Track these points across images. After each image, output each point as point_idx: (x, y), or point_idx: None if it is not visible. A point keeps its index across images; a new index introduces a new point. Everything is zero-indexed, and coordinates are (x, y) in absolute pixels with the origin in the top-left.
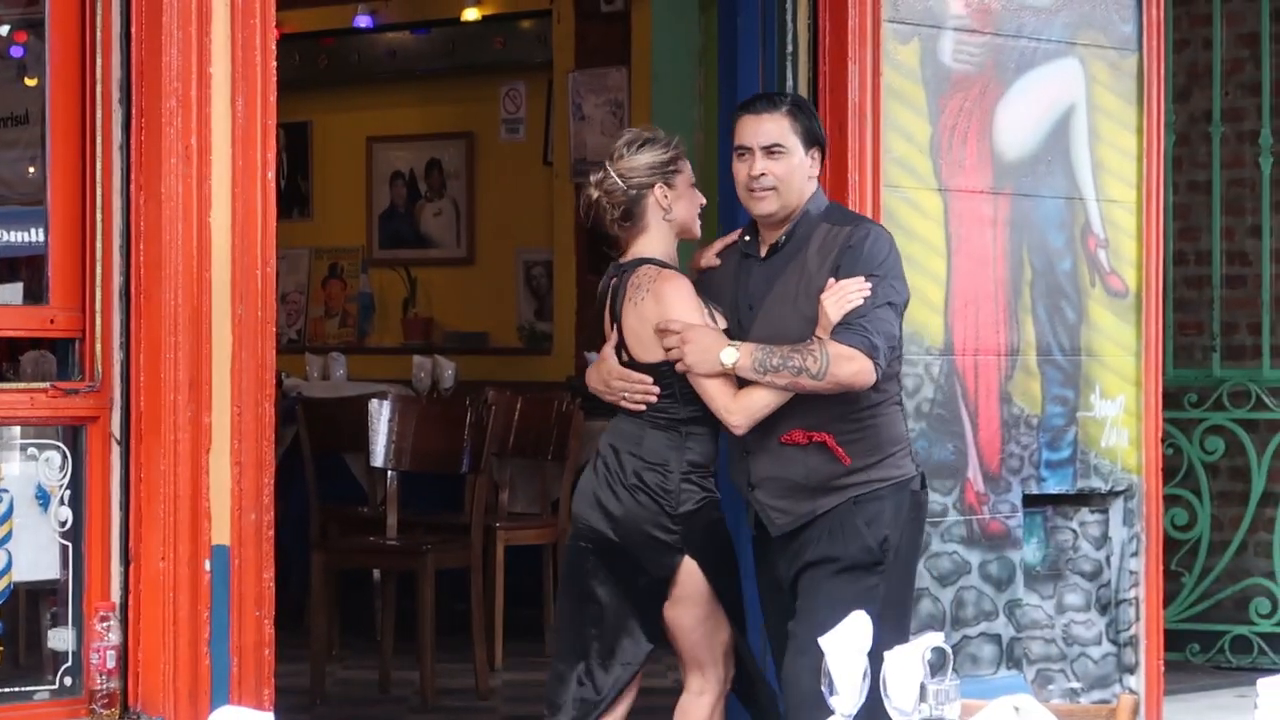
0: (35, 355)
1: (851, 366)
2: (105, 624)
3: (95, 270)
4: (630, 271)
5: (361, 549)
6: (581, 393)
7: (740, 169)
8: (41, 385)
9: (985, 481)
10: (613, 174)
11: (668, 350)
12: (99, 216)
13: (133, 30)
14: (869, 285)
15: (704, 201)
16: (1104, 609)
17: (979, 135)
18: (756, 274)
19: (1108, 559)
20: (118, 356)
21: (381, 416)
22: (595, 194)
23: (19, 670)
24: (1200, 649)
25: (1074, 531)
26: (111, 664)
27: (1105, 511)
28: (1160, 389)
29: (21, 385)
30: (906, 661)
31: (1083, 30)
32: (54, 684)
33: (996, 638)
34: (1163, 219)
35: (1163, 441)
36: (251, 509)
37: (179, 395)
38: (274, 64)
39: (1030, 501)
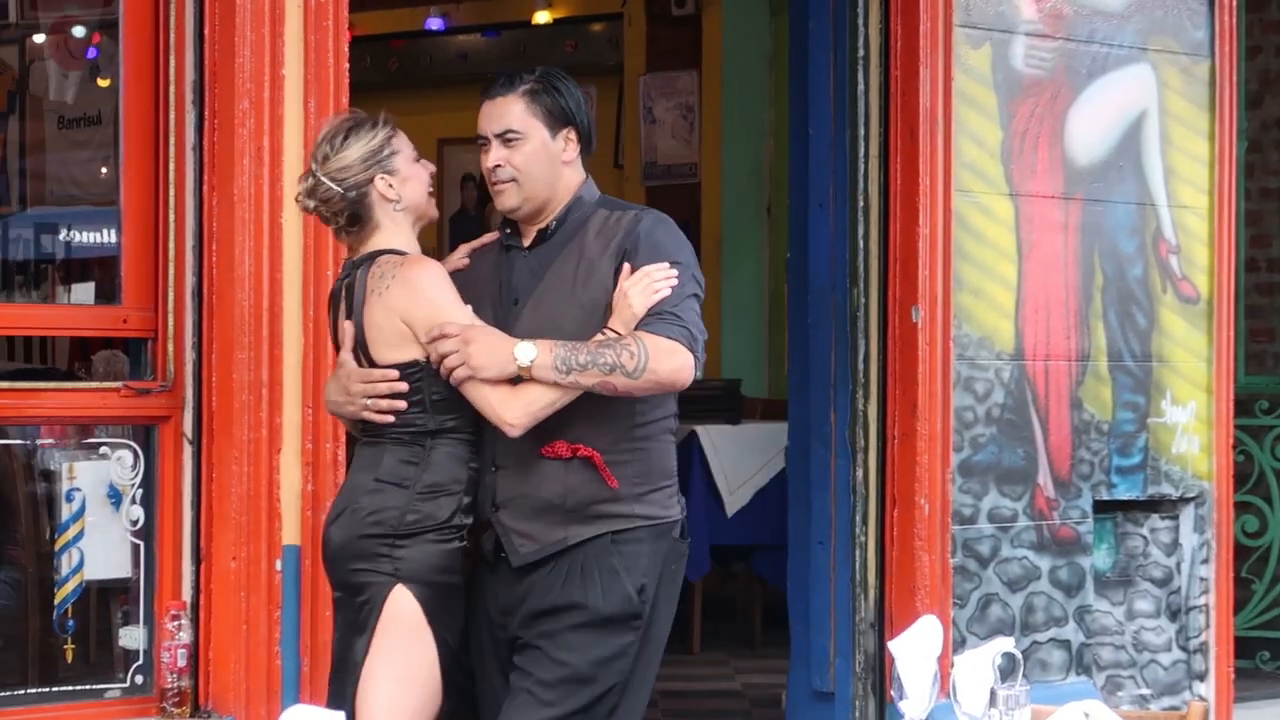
0: (108, 355)
1: (674, 361)
2: (176, 623)
3: (168, 270)
4: (367, 264)
5: None
6: None
7: (481, 160)
8: (114, 385)
9: (1055, 487)
10: (324, 180)
11: (443, 357)
12: (171, 217)
13: (206, 32)
14: (675, 273)
15: (433, 170)
16: (1174, 616)
17: (1050, 140)
18: (521, 265)
19: (1178, 565)
20: (190, 356)
21: None
22: (312, 205)
23: (90, 668)
24: (1270, 656)
25: (1144, 538)
26: (182, 663)
27: (1176, 518)
28: (1231, 395)
29: (94, 385)
30: (977, 666)
31: (1154, 36)
32: (125, 682)
33: (1066, 643)
34: (1234, 225)
35: (1234, 448)
36: (322, 509)
37: (251, 395)
38: (346, 66)
39: (1101, 507)
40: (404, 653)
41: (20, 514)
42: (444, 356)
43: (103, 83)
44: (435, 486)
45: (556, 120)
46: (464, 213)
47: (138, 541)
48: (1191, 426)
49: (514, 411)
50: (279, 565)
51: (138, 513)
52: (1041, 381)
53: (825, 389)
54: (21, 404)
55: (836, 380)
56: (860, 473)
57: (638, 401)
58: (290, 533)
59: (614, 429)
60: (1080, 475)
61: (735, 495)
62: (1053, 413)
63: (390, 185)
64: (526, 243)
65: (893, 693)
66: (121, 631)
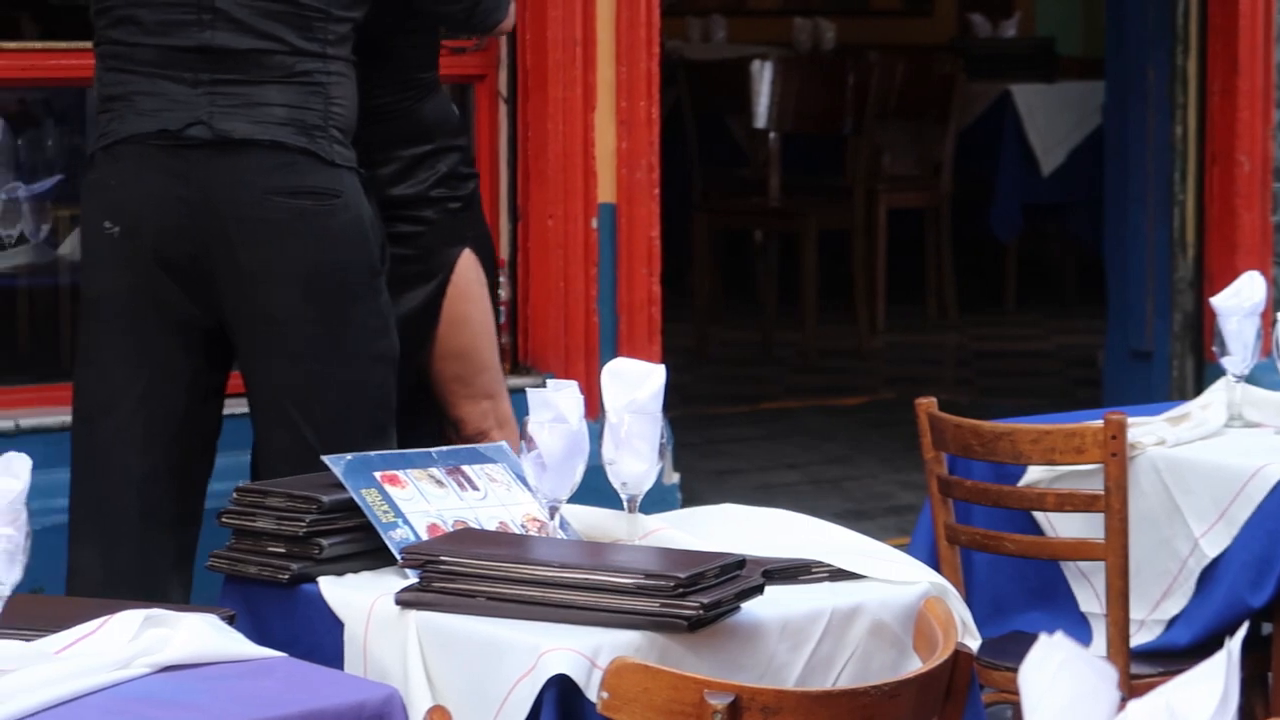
0: None
1: None
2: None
3: None
4: None
5: (743, 211)
6: (965, 53)
7: None
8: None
9: None
10: None
11: None
12: None
13: None
14: None
15: None
16: None
17: None
18: None
19: None
20: None
21: (763, 78)
22: None
23: None
24: None
25: None
26: (501, 319)
27: None
28: None
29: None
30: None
31: None
32: None
33: None
34: None
35: None
36: (637, 167)
37: (565, 53)
38: None
39: None
40: None
41: None
42: None
43: None
44: None
45: None
46: None
47: None
48: None
49: None
50: (594, 224)
51: None
52: None
53: (1143, 45)
54: None
55: (1154, 35)
56: (1179, 129)
57: None
58: (606, 191)
59: None
60: None
61: (1050, 155)
62: None
63: None
64: None
65: (1213, 350)
66: None
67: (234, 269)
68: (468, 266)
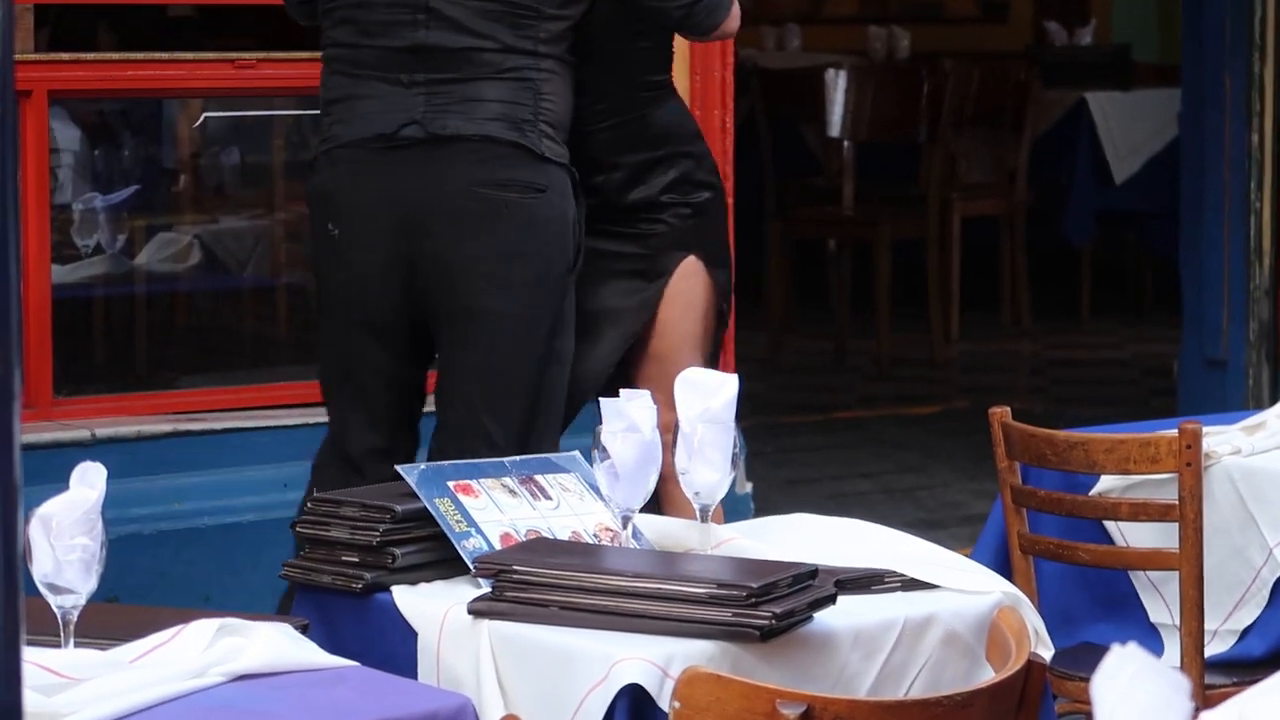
0: None
1: None
2: None
3: None
4: None
5: (818, 219)
6: (1041, 61)
7: None
8: None
9: None
10: None
11: None
12: None
13: None
14: None
15: None
16: None
17: None
18: None
19: None
20: None
21: (838, 86)
22: None
23: None
24: None
25: None
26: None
27: None
28: None
29: None
30: None
31: None
32: None
33: None
34: None
35: None
36: None
37: None
38: None
39: None
40: None
41: None
42: None
43: None
44: None
45: None
46: None
47: None
48: None
49: None
50: None
51: None
52: None
53: (1220, 53)
54: None
55: (1232, 44)
56: (1255, 138)
57: None
58: None
59: None
60: None
61: (1125, 162)
62: None
63: None
64: None
65: None
66: None
67: (440, 263)
68: (686, 275)
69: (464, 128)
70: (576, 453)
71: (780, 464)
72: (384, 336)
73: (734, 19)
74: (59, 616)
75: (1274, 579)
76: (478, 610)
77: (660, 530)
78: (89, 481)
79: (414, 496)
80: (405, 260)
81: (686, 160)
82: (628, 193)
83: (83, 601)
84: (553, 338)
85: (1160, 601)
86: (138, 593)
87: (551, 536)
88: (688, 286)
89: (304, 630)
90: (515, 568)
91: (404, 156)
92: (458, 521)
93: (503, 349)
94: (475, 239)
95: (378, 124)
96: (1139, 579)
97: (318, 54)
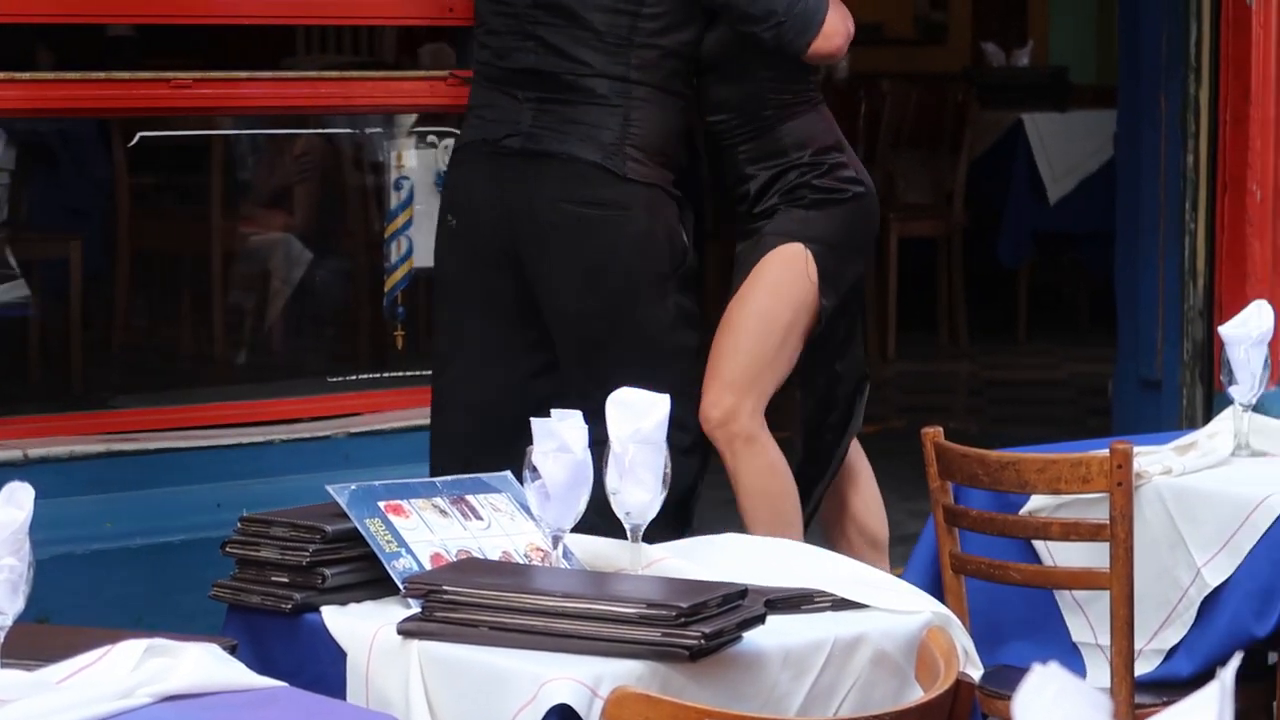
0: (434, 48)
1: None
2: None
3: None
4: None
5: None
6: (979, 82)
7: None
8: (440, 74)
9: None
10: None
11: None
12: None
13: None
14: None
15: None
16: None
17: None
18: None
19: None
20: None
21: None
22: None
23: (419, 356)
24: None
25: None
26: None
27: None
28: None
29: (420, 74)
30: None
31: None
32: None
33: None
34: None
35: None
36: None
37: None
38: None
39: None
40: None
41: (349, 203)
42: None
43: None
44: None
45: None
46: None
47: None
48: None
49: None
50: None
51: None
52: None
53: (1156, 73)
54: (349, 93)
55: (1167, 64)
56: (1190, 158)
57: None
58: None
59: None
60: None
61: (1059, 183)
62: None
63: None
64: None
65: (1221, 379)
66: None
67: (536, 267)
68: (783, 259)
69: (555, 146)
70: (508, 473)
71: (713, 484)
72: (491, 316)
73: (826, 39)
74: None
75: (1200, 598)
76: (407, 630)
77: (591, 550)
78: (16, 502)
79: (344, 516)
80: (511, 257)
81: (804, 170)
82: (759, 201)
83: (9, 622)
84: (666, 334)
85: (1084, 620)
86: (70, 613)
87: (482, 556)
88: (780, 269)
89: (233, 650)
90: (445, 588)
91: (505, 163)
92: (388, 542)
93: (603, 351)
94: (561, 251)
95: (488, 130)
96: (1063, 598)
97: (256, 74)
